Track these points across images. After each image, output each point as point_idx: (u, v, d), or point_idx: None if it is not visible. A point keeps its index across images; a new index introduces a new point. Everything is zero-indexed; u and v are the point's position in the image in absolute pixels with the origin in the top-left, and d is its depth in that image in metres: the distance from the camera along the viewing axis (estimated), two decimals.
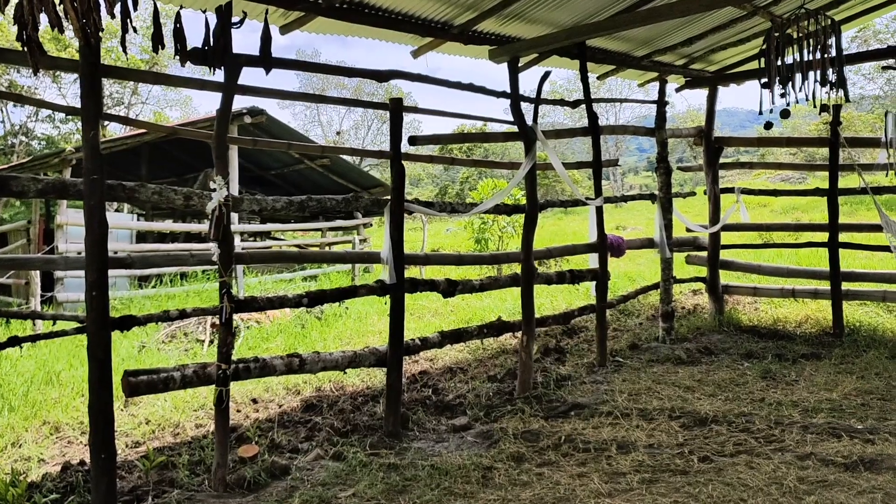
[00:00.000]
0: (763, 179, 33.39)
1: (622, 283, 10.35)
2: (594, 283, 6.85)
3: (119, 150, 12.70)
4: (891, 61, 7.64)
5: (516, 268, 6.14)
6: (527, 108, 6.15)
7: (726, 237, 8.26)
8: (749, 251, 8.83)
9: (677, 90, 8.65)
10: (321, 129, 47.65)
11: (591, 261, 7.02)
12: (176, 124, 14.07)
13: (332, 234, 15.67)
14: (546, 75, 6.39)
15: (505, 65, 6.24)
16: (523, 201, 6.29)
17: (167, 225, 11.29)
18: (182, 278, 10.66)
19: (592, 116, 6.77)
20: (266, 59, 4.39)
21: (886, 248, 6.86)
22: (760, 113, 4.79)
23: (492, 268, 11.76)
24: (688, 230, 8.22)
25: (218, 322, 4.02)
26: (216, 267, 4.01)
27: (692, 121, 38.55)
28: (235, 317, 4.28)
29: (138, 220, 13.75)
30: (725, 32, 7.33)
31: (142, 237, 13.02)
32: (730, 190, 8.17)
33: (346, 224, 14.79)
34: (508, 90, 6.13)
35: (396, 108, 5.10)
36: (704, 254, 8.30)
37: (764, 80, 4.74)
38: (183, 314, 4.15)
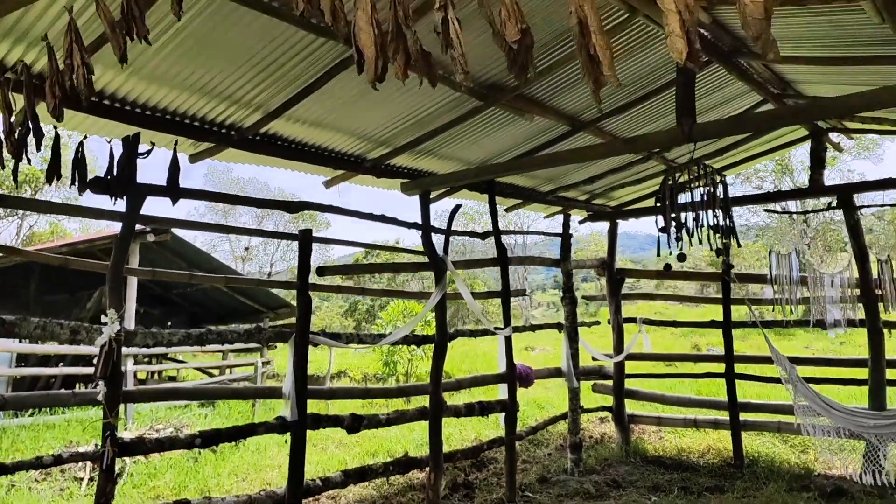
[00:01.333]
0: (661, 304, 34.90)
1: (531, 411, 10.32)
2: (503, 413, 6.79)
3: (6, 266, 11.99)
4: (772, 206, 8.30)
5: (424, 400, 6.01)
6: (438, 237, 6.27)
7: (631, 366, 8.44)
8: (653, 380, 9.02)
9: (580, 222, 9.05)
10: (229, 245, 46.68)
11: (500, 390, 6.99)
12: (72, 240, 13.49)
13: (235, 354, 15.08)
14: (456, 209, 6.57)
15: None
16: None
17: (52, 348, 10.53)
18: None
19: (501, 248, 6.94)
20: (173, 190, 4.31)
21: (777, 380, 7.15)
22: (658, 255, 5.04)
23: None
24: (593, 359, 8.37)
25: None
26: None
27: (595, 244, 40.44)
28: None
29: (21, 341, 12.83)
30: (623, 173, 7.82)
31: (24, 357, 12.11)
32: (632, 319, 8.44)
33: (249, 346, 14.31)
34: (420, 221, 6.24)
35: (305, 239, 5.06)
36: (610, 382, 8.43)
37: (661, 225, 5.02)
38: (58, 460, 3.78)
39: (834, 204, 7.28)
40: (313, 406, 5.98)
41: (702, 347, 17.83)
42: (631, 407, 8.50)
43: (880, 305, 6.89)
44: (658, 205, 5.11)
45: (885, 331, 6.90)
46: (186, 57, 4.14)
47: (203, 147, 5.01)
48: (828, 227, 27.52)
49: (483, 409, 6.65)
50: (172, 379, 15.10)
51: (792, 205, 29.74)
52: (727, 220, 4.91)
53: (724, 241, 4.99)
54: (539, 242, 44.54)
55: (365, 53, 1.83)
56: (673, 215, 5.05)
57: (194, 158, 5.09)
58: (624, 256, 39.43)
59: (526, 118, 5.79)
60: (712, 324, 8.00)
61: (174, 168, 4.33)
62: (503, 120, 5.93)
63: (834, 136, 7.94)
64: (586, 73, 1.76)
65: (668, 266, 5.30)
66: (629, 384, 8.49)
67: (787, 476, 6.91)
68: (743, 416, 7.65)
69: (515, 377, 6.86)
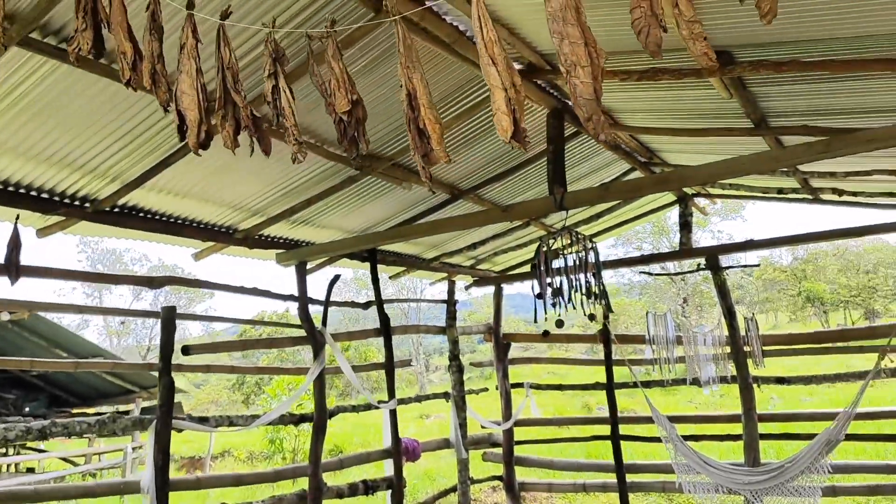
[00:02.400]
0: (554, 365, 35.45)
1: (422, 484, 10.03)
2: (389, 491, 6.52)
3: None
4: (645, 268, 8.63)
5: (303, 482, 5.66)
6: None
7: (520, 432, 8.37)
8: (543, 445, 8.97)
9: (466, 288, 9.06)
10: (102, 320, 43.21)
11: (386, 466, 6.72)
12: None
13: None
14: (335, 279, 6.39)
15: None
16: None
17: None
18: None
19: (384, 318, 6.78)
20: (13, 269, 3.91)
21: (659, 440, 7.26)
22: (535, 321, 5.04)
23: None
24: (483, 427, 8.24)
25: None
26: None
27: (488, 305, 40.93)
28: None
29: None
30: (505, 238, 7.92)
31: None
32: (520, 385, 8.41)
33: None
34: (297, 293, 6.01)
35: (168, 317, 4.73)
36: (500, 450, 8.31)
37: (537, 291, 5.04)
38: None
39: (702, 265, 7.64)
40: (181, 498, 5.49)
41: (592, 406, 18.14)
42: (522, 474, 8.39)
43: (749, 361, 7.19)
44: (534, 271, 5.13)
45: (755, 385, 7.19)
46: (31, 124, 3.83)
47: (52, 220, 4.62)
48: (699, 287, 29.11)
49: (368, 487, 6.36)
50: (31, 470, 13.70)
51: (670, 264, 31.41)
52: (599, 286, 4.98)
53: (599, 304, 5.05)
54: (435, 307, 44.54)
55: (187, 117, 1.68)
56: (548, 280, 5.09)
57: (42, 233, 4.67)
58: (518, 317, 40.00)
59: (404, 187, 5.75)
60: (596, 386, 8.09)
61: (14, 244, 3.95)
62: (382, 188, 5.87)
63: (700, 201, 8.40)
64: (414, 149, 1.68)
65: (546, 332, 5.31)
66: (519, 451, 8.39)
67: None
68: (630, 478, 7.69)
69: (401, 452, 6.62)
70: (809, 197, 7.28)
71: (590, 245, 5.06)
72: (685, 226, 7.93)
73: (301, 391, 5.94)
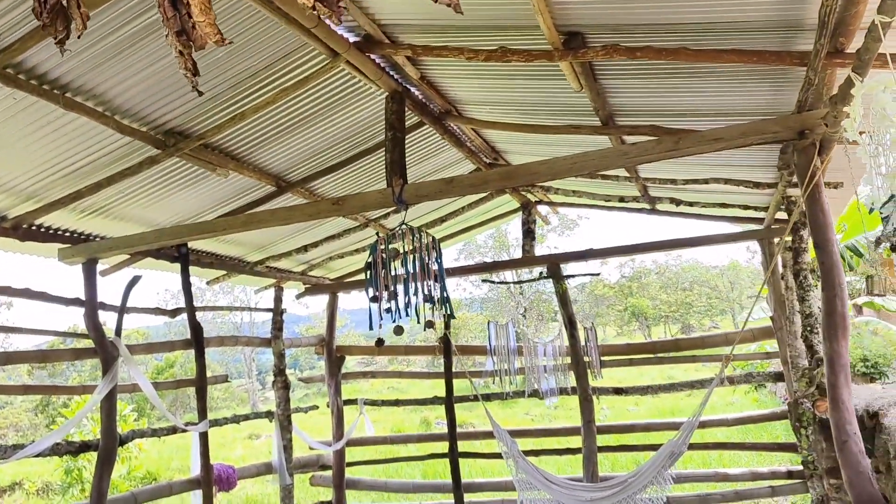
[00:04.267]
0: (394, 380, 35.08)
1: None
2: None
3: None
4: (488, 276, 8.32)
5: None
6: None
7: (352, 453, 7.71)
8: (377, 466, 8.35)
9: (297, 297, 8.30)
10: None
11: (194, 499, 5.81)
12: None
13: None
14: (135, 280, 5.43)
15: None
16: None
17: None
18: None
19: (196, 328, 5.89)
20: None
21: (499, 455, 6.90)
22: (371, 328, 4.45)
23: None
24: (311, 448, 7.49)
25: None
26: None
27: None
28: None
29: None
30: (341, 242, 7.27)
31: None
32: (353, 401, 7.76)
33: None
34: (84, 296, 5.00)
35: None
36: (330, 473, 7.59)
37: (373, 293, 4.46)
38: None
39: (544, 273, 7.43)
40: None
41: (431, 422, 17.77)
42: (353, 499, 7.72)
43: (589, 372, 7.04)
44: (368, 273, 4.54)
45: (595, 397, 7.04)
46: None
47: None
48: (540, 298, 29.93)
49: None
50: None
51: (509, 276, 32.15)
52: (441, 291, 4.48)
53: (440, 312, 4.54)
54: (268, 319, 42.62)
55: None
56: (385, 283, 4.52)
57: None
58: (359, 331, 39.12)
59: (220, 174, 4.94)
60: (435, 400, 7.62)
61: None
62: (193, 175, 5.03)
63: (542, 209, 8.22)
64: (165, 23, 1.05)
65: (380, 341, 4.75)
66: (351, 473, 7.72)
67: None
68: (468, 497, 7.27)
69: (212, 481, 5.74)
70: (647, 207, 7.29)
71: (432, 245, 4.55)
72: (528, 233, 7.69)
73: (84, 413, 4.91)
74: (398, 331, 4.49)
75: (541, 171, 4.30)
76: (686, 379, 7.84)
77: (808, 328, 4.89)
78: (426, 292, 4.51)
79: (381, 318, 4.44)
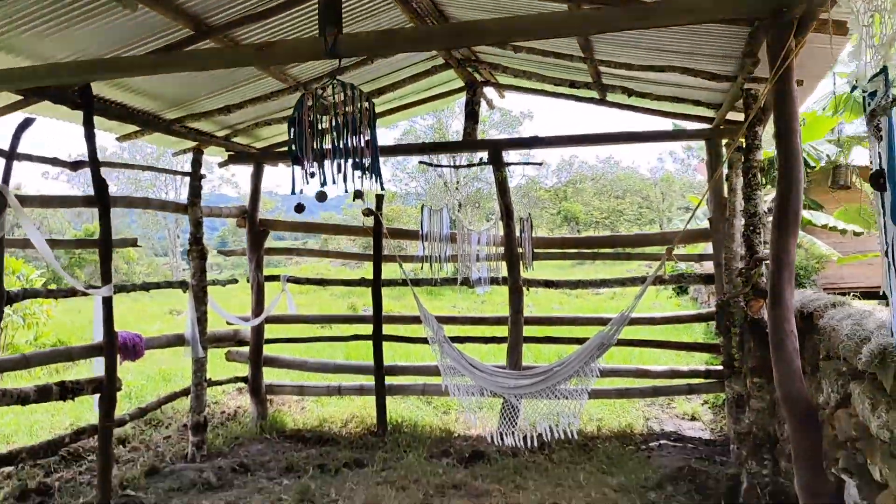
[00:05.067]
0: (326, 263, 34.79)
1: (152, 385, 8.75)
2: (97, 396, 5.27)
3: None
4: (424, 158, 7.91)
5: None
6: None
7: (271, 330, 7.42)
8: (297, 346, 8.12)
9: (220, 165, 7.72)
10: None
11: (95, 367, 5.44)
12: None
13: None
14: (27, 123, 4.78)
15: None
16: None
17: None
18: None
19: (100, 184, 5.32)
20: None
21: (425, 340, 6.74)
22: (293, 192, 4.05)
23: None
24: (228, 323, 7.17)
25: None
26: None
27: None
28: None
29: None
30: (268, 106, 6.68)
31: None
32: (276, 277, 7.40)
33: None
34: None
35: None
36: (247, 349, 7.32)
37: (295, 154, 4.01)
38: None
39: (485, 159, 7.07)
40: None
41: (358, 308, 17.67)
42: (270, 376, 7.51)
43: (521, 264, 6.86)
44: (292, 131, 4.07)
45: (525, 288, 6.90)
46: None
47: None
48: (479, 194, 29.74)
49: (66, 391, 5.05)
50: None
51: (448, 174, 31.70)
52: (373, 158, 4.06)
53: (371, 181, 4.15)
54: (214, 186, 40.97)
55: None
56: (312, 146, 4.07)
57: None
58: (289, 217, 38.27)
59: (126, 4, 4.27)
60: (362, 282, 7.34)
61: None
62: (98, 6, 4.33)
63: (488, 92, 7.76)
64: None
65: (300, 206, 4.36)
66: (269, 350, 7.47)
67: (429, 441, 6.55)
68: (389, 380, 7.16)
69: (116, 349, 5.35)
70: (597, 97, 6.93)
71: (366, 103, 4.09)
72: (471, 115, 7.26)
73: None
74: (321, 197, 4.10)
75: (493, 28, 3.85)
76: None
77: (751, 227, 4.74)
78: (356, 158, 4.09)
79: (306, 183, 4.04)
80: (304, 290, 21.04)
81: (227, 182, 42.76)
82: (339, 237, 36.71)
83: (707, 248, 12.59)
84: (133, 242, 5.98)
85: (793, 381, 3.43)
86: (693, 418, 7.13)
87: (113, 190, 5.41)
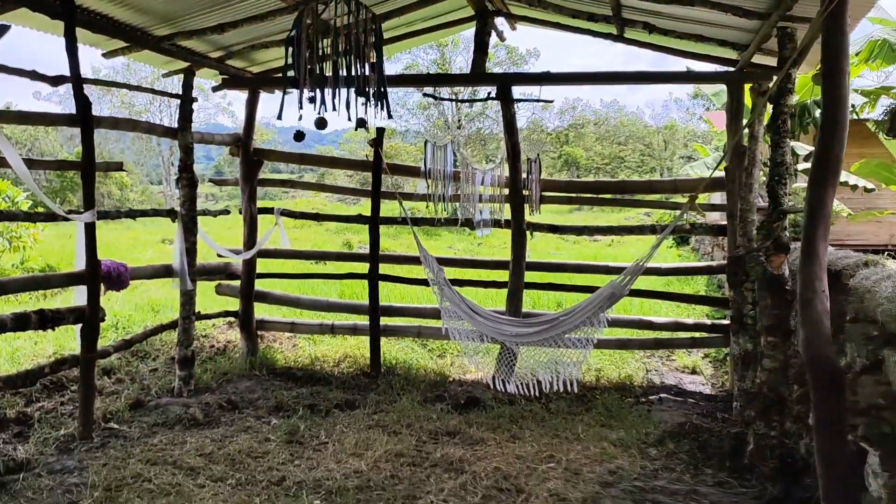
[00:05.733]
0: (322, 198, 34.43)
1: (139, 316, 8.54)
2: (79, 326, 5.04)
3: None
4: (429, 90, 7.51)
5: None
6: None
7: (263, 265, 7.17)
8: (291, 282, 7.88)
9: (214, 89, 7.29)
10: None
11: (77, 297, 5.20)
12: None
13: None
14: (2, 30, 4.39)
15: None
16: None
17: None
18: None
19: (83, 102, 4.96)
20: None
21: (424, 282, 6.51)
22: (280, 117, 3.72)
23: None
24: (219, 255, 6.90)
25: None
26: None
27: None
28: None
29: None
30: (266, 27, 6.23)
31: None
32: (269, 210, 7.10)
33: None
34: None
35: None
36: (237, 283, 7.07)
37: (291, 75, 3.67)
38: None
39: (493, 95, 6.69)
40: None
41: (354, 245, 17.43)
42: (262, 312, 7.29)
43: (526, 206, 6.57)
44: (290, 51, 3.71)
45: (528, 232, 6.63)
46: None
47: None
48: (479, 135, 29.18)
49: (45, 320, 4.80)
50: None
51: (450, 112, 30.97)
52: (379, 82, 3.72)
53: (375, 109, 3.82)
54: (210, 114, 40.06)
55: None
56: (311, 68, 3.72)
57: None
58: (286, 149, 37.64)
59: None
60: (359, 219, 7.05)
61: None
62: None
63: (499, 23, 7.30)
64: None
65: (300, 134, 4.03)
66: (262, 285, 7.23)
67: (423, 385, 6.39)
68: (384, 321, 6.95)
69: (99, 278, 5.10)
70: (615, 32, 6.51)
71: (371, 23, 3.73)
72: (480, 47, 6.83)
73: None
74: (321, 124, 3.78)
75: None
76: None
77: (777, 178, 4.44)
78: (359, 84, 3.75)
79: (302, 108, 3.71)
80: (299, 224, 20.75)
81: (223, 111, 41.94)
82: (335, 174, 36.23)
83: (711, 198, 12.33)
84: (118, 166, 5.64)
85: (820, 344, 3.20)
86: (694, 372, 6.96)
87: (105, 114, 5.04)
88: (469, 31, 6.98)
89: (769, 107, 5.65)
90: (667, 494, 3.97)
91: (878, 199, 11.66)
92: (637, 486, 4.09)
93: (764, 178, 5.45)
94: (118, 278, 5.43)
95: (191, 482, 4.22)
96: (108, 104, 34.80)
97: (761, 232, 4.66)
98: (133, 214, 5.80)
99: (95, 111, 5.43)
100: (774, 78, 5.69)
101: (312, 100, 3.69)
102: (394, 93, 33.95)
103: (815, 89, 7.49)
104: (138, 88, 6.62)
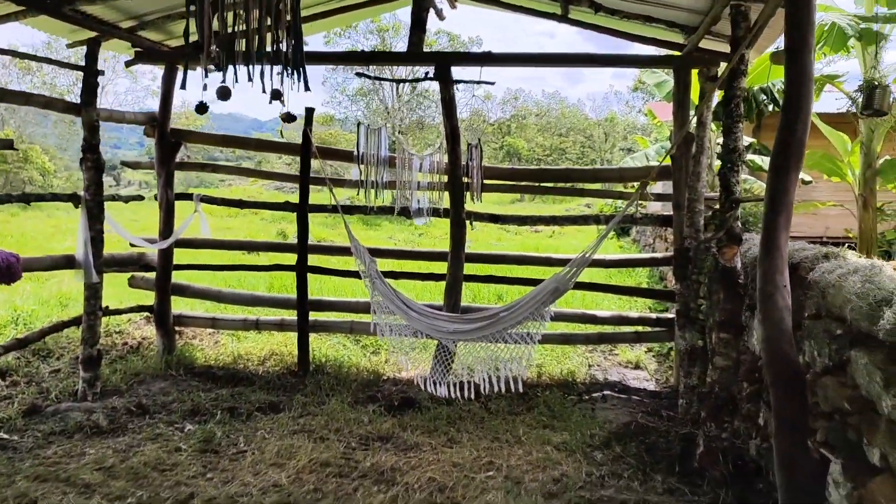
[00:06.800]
0: (259, 186, 33.43)
1: (44, 311, 7.84)
2: None
3: None
4: (364, 70, 7.06)
5: None
6: None
7: (183, 256, 6.61)
8: (215, 275, 7.32)
9: (127, 64, 6.68)
10: None
11: None
12: None
13: None
14: None
15: None
16: None
17: None
18: None
19: None
20: None
21: (356, 274, 6.08)
22: (184, 86, 3.24)
23: None
24: (131, 245, 6.31)
25: None
26: None
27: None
28: None
29: None
30: None
31: None
32: (188, 196, 6.54)
33: None
34: None
35: None
36: (153, 275, 6.50)
37: (193, 39, 3.20)
38: None
39: (431, 74, 6.29)
40: None
41: (290, 235, 16.79)
42: (180, 306, 6.73)
43: (466, 195, 6.22)
44: (192, 7, 3.23)
45: (468, 222, 6.27)
46: None
47: None
48: (418, 123, 28.71)
49: None
50: None
51: (389, 99, 30.31)
52: (295, 48, 3.27)
53: (291, 79, 3.37)
54: (139, 97, 38.36)
55: None
56: (216, 31, 3.24)
57: None
58: (222, 128, 36.39)
59: None
60: (286, 206, 6.56)
61: None
62: None
63: (438, 2, 6.89)
64: None
65: (202, 106, 3.56)
66: (180, 277, 6.67)
67: (355, 384, 5.97)
68: (314, 316, 6.50)
69: None
70: (559, 12, 6.19)
71: None
72: (418, 24, 6.41)
73: None
74: (223, 94, 3.31)
75: None
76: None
77: (729, 165, 4.18)
78: (273, 47, 3.30)
79: (207, 76, 3.23)
80: (234, 213, 19.97)
81: (152, 94, 40.25)
82: (273, 160, 35.20)
83: (653, 188, 12.23)
84: (9, 145, 5.00)
85: (781, 342, 2.93)
86: (637, 367, 6.75)
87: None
88: (407, 10, 6.55)
89: (716, 93, 5.44)
90: None
91: (814, 191, 11.76)
92: (583, 496, 3.77)
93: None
94: (7, 270, 4.83)
95: (85, 502, 3.72)
96: (29, 83, 32.88)
97: (713, 222, 4.41)
98: (27, 199, 5.18)
99: (22, 91, 4.81)
100: (723, 64, 5.47)
101: (217, 65, 3.23)
102: (333, 77, 33.15)
103: (760, 75, 7.35)
104: (32, 57, 5.94)
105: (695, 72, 5.89)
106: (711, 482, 3.86)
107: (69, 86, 33.07)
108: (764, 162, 9.98)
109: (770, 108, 8.30)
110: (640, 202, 4.69)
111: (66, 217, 19.73)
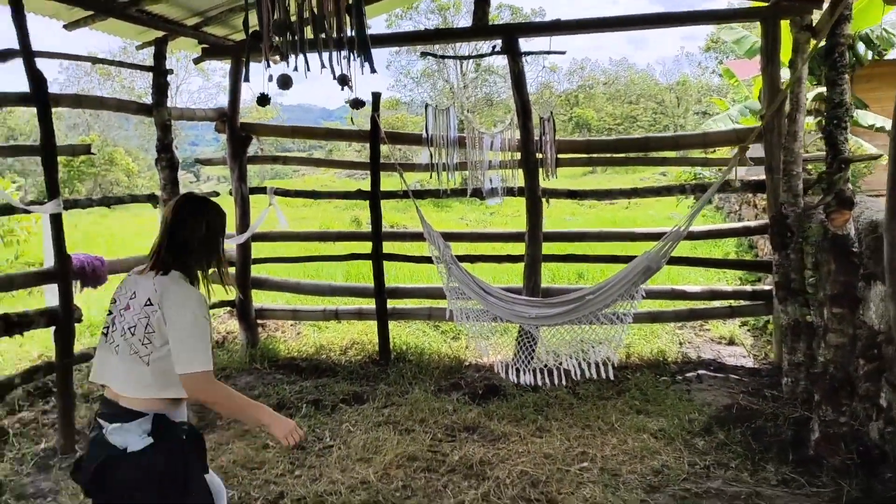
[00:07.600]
0: (331, 175, 33.80)
1: None
2: (53, 328, 4.54)
3: None
4: (429, 47, 6.85)
5: None
6: None
7: (259, 249, 6.62)
8: (292, 266, 7.33)
9: (196, 61, 6.71)
10: None
11: (47, 296, 4.69)
12: None
13: None
14: None
15: None
16: None
17: None
18: None
19: (36, 78, 4.40)
20: None
21: (431, 260, 5.94)
22: (246, 78, 3.14)
23: None
24: None
25: None
26: None
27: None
28: None
29: None
30: None
31: None
32: (261, 190, 6.54)
33: None
34: None
35: None
36: (233, 270, 6.53)
37: (254, 29, 3.08)
38: None
39: (498, 48, 6.04)
40: None
41: (363, 222, 16.85)
42: (261, 300, 6.77)
43: (541, 171, 5.96)
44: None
45: (544, 200, 6.02)
46: None
47: None
48: (485, 100, 28.31)
49: (11, 325, 4.32)
50: None
51: (455, 77, 29.96)
52: (358, 28, 3.11)
53: (358, 58, 3.21)
54: (211, 94, 39.50)
55: None
56: (276, 18, 3.12)
57: None
58: (292, 120, 36.96)
59: None
60: (359, 194, 6.46)
61: None
62: None
63: None
64: None
65: (264, 98, 3.45)
66: (258, 271, 6.70)
67: (437, 372, 5.85)
68: (391, 303, 6.41)
69: (70, 274, 4.58)
70: None
71: None
72: None
73: None
74: (284, 83, 3.18)
75: None
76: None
77: (836, 121, 3.80)
78: (336, 33, 3.15)
79: (269, 65, 3.11)
80: (307, 203, 20.19)
81: (223, 91, 41.22)
82: (342, 149, 35.54)
83: (734, 151, 11.58)
84: (86, 150, 5.06)
85: None
86: (732, 342, 6.37)
87: None
88: None
89: (811, 43, 4.99)
90: (724, 500, 3.41)
91: None
92: (688, 489, 3.53)
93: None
94: (93, 274, 4.91)
95: None
96: (109, 88, 34.20)
97: (818, 185, 4.02)
98: (108, 202, 5.25)
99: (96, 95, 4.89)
100: (816, 13, 5.01)
101: (280, 55, 3.11)
102: (397, 60, 33.07)
103: (857, 21, 6.75)
104: (102, 61, 6.01)
105: (784, 23, 5.43)
106: (831, 471, 3.54)
107: (146, 88, 34.21)
108: (858, 116, 9.27)
109: (869, 56, 7.64)
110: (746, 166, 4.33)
111: (150, 215, 20.40)
